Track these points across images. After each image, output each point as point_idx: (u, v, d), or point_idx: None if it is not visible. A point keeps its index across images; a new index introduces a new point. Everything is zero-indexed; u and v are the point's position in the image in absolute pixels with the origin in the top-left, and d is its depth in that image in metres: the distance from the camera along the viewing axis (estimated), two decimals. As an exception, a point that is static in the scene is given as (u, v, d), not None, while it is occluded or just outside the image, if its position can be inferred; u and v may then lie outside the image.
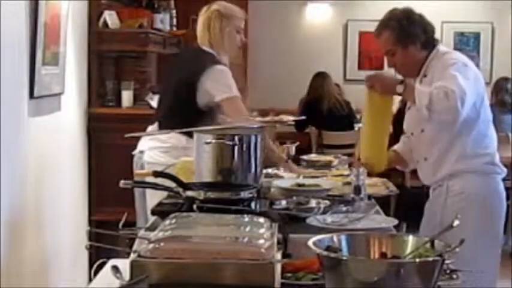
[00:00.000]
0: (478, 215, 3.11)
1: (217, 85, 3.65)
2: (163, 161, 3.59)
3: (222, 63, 3.73)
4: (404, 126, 3.46)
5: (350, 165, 4.00)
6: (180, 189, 2.49)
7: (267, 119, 3.84)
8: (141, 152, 3.82)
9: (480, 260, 2.91)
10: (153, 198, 3.05)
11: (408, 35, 3.23)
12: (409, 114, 3.38)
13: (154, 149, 3.76)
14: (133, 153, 3.85)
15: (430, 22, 3.31)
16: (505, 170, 3.27)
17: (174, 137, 3.67)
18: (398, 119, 3.65)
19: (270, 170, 3.55)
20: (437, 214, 3.19)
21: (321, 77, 7.63)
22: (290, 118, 3.91)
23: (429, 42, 3.26)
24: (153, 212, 2.61)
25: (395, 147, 3.52)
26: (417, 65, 3.26)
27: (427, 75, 3.22)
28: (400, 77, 3.28)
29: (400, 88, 3.10)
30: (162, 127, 3.73)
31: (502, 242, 3.34)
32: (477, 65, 9.95)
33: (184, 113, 3.66)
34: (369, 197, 3.04)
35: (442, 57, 3.22)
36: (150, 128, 3.84)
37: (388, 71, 3.47)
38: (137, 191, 3.80)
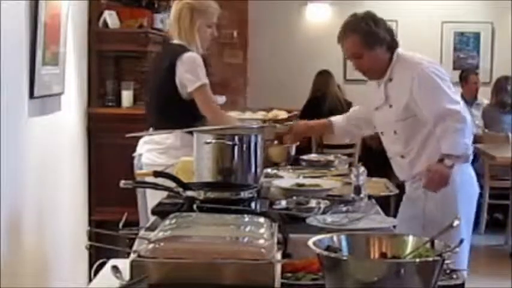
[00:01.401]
0: (457, 201, 3.28)
1: (187, 74, 3.64)
2: (161, 162, 3.59)
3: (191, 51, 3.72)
4: (375, 124, 3.54)
5: (350, 165, 4.00)
6: (180, 189, 2.49)
7: (259, 114, 3.81)
8: (140, 154, 3.82)
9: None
10: (154, 198, 3.04)
11: (376, 37, 3.34)
12: (378, 114, 3.45)
13: (151, 151, 3.75)
14: (134, 155, 3.85)
15: (390, 26, 3.44)
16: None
17: (169, 137, 3.66)
18: None
19: (269, 170, 3.55)
20: (419, 206, 3.32)
21: (325, 75, 7.63)
22: (284, 114, 3.88)
23: (393, 45, 3.38)
24: (153, 212, 2.61)
25: (333, 118, 3.77)
26: (382, 68, 3.37)
27: (392, 79, 3.36)
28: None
29: (448, 170, 3.19)
30: (157, 129, 3.72)
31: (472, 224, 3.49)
32: (477, 65, 9.93)
33: (173, 109, 3.66)
34: (369, 197, 3.04)
35: (405, 61, 3.34)
36: (146, 133, 3.84)
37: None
38: (139, 191, 3.80)
